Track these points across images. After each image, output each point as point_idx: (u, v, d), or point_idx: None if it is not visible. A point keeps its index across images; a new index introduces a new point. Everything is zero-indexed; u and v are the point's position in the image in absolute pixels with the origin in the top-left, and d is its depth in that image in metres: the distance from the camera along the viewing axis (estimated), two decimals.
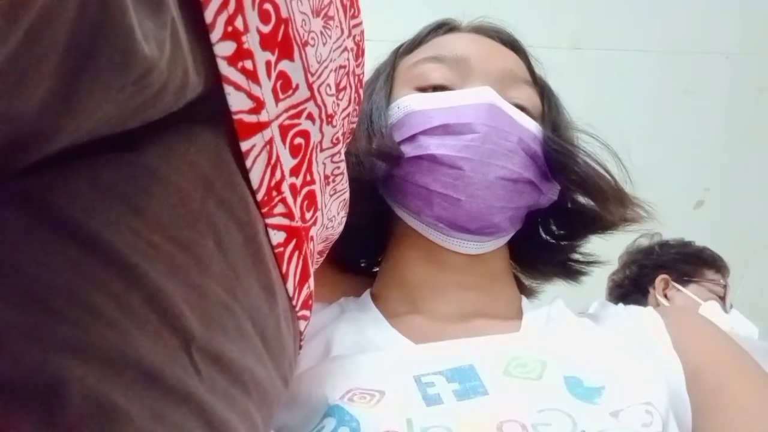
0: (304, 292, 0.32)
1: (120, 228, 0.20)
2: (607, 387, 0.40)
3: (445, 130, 0.50)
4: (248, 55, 0.24)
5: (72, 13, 0.16)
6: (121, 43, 0.17)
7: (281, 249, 0.29)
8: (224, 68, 0.23)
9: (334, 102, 0.33)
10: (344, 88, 0.35)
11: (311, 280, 0.33)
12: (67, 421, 0.18)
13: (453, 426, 0.37)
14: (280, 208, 0.28)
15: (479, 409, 0.39)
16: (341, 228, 0.43)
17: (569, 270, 0.62)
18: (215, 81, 0.23)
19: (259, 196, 0.27)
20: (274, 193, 0.28)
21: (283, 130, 0.28)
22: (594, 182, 0.52)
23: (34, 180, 0.19)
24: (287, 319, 0.30)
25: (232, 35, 0.23)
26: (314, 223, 0.33)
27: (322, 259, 0.47)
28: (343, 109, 0.36)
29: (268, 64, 0.26)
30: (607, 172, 0.53)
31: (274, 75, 0.26)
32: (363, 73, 0.40)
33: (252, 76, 0.24)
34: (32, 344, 0.18)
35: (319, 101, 0.31)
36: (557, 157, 0.52)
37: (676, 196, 1.78)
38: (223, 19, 0.22)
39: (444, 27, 0.61)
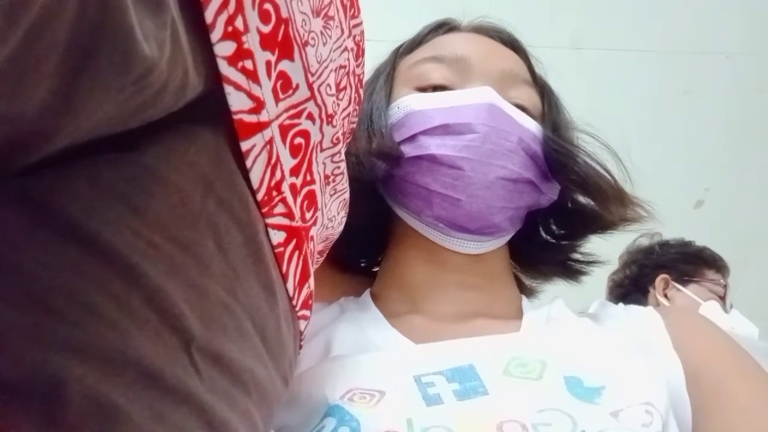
0: (304, 291, 0.32)
1: (120, 228, 0.20)
2: (607, 387, 0.40)
3: (445, 130, 0.50)
4: (248, 55, 0.24)
5: (72, 13, 0.16)
6: (121, 43, 0.17)
7: (281, 249, 0.29)
8: (224, 68, 0.23)
9: (334, 102, 0.33)
10: (344, 88, 0.35)
11: (311, 280, 0.33)
12: (67, 421, 0.18)
13: (453, 426, 0.37)
14: (280, 208, 0.28)
15: (479, 409, 0.39)
16: (341, 228, 0.43)
17: (569, 270, 0.62)
18: (215, 81, 0.23)
19: (259, 196, 0.27)
20: (274, 193, 0.28)
21: (283, 130, 0.28)
22: (594, 182, 0.52)
23: (34, 180, 0.19)
24: (287, 318, 0.30)
25: (233, 35, 0.23)
26: (314, 223, 0.33)
27: (322, 259, 0.47)
28: (343, 109, 0.36)
29: (268, 64, 0.26)
30: (607, 171, 0.53)
31: (274, 75, 0.26)
32: (363, 73, 0.40)
33: (252, 76, 0.24)
34: (32, 344, 0.18)
35: (319, 101, 0.31)
36: (557, 157, 0.52)
37: (676, 195, 1.78)
38: (223, 19, 0.22)
39: (444, 27, 0.61)
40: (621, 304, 0.55)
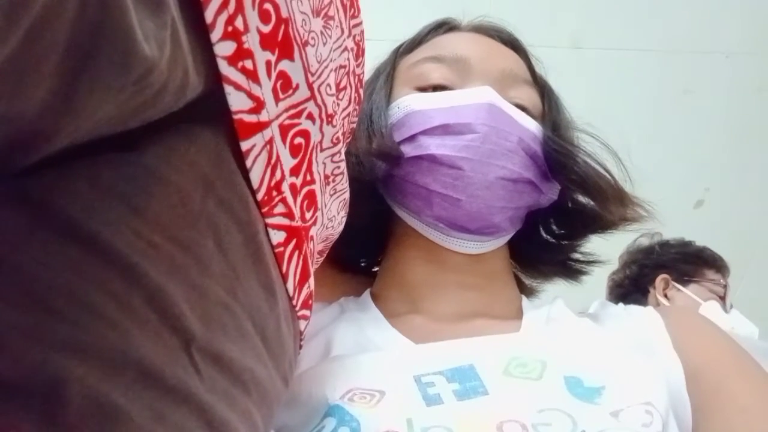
0: (304, 291, 0.32)
1: (120, 228, 0.20)
2: (607, 387, 0.40)
3: (445, 130, 0.50)
4: (248, 54, 0.24)
5: (72, 13, 0.16)
6: (121, 43, 0.17)
7: (281, 249, 0.29)
8: (224, 68, 0.23)
9: (334, 102, 0.33)
10: (344, 88, 0.35)
11: (311, 280, 0.33)
12: (67, 421, 0.18)
13: (453, 426, 0.37)
14: (280, 208, 0.28)
15: (479, 409, 0.39)
16: (341, 228, 0.43)
17: (569, 269, 0.62)
18: (215, 81, 0.23)
19: (259, 196, 0.27)
20: (274, 193, 0.28)
21: (283, 130, 0.28)
22: (594, 182, 0.52)
23: (34, 180, 0.19)
24: (287, 318, 0.30)
25: (233, 35, 0.23)
26: (314, 223, 0.33)
27: (322, 258, 0.47)
28: (343, 109, 0.36)
29: (268, 63, 0.26)
30: (607, 171, 0.53)
31: (274, 75, 0.26)
32: (363, 72, 0.40)
33: (252, 75, 0.24)
34: (32, 344, 0.18)
35: (319, 101, 0.31)
36: (557, 157, 0.52)
37: (676, 195, 1.78)
38: (223, 18, 0.22)
39: (444, 26, 0.61)
40: (621, 304, 0.56)
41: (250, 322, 0.26)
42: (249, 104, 0.25)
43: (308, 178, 0.31)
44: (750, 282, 1.91)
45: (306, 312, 0.33)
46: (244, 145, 0.25)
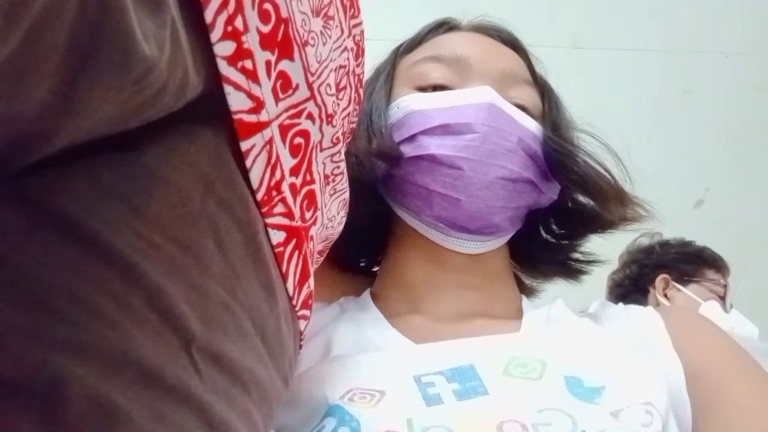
0: (304, 291, 0.32)
1: (120, 228, 0.20)
2: (607, 387, 0.40)
3: (444, 130, 0.50)
4: (248, 54, 0.24)
5: (72, 13, 0.16)
6: (121, 43, 0.17)
7: (281, 249, 0.29)
8: (224, 68, 0.23)
9: (334, 102, 0.33)
10: (344, 88, 0.35)
11: (311, 280, 0.33)
12: (67, 421, 0.18)
13: (453, 426, 0.37)
14: (280, 208, 0.28)
15: (479, 409, 0.39)
16: (341, 228, 0.43)
17: (569, 269, 0.62)
18: (215, 81, 0.23)
19: (259, 196, 0.27)
20: (274, 193, 0.28)
21: (283, 130, 0.28)
22: (594, 182, 0.52)
23: (34, 180, 0.19)
24: (287, 318, 0.30)
25: (232, 35, 0.23)
26: (314, 223, 0.33)
27: (322, 258, 0.47)
28: (343, 109, 0.36)
29: (268, 63, 0.26)
30: (607, 171, 0.53)
31: (274, 75, 0.26)
32: (363, 72, 0.40)
33: (252, 75, 0.24)
34: (32, 344, 0.18)
35: (319, 101, 0.31)
36: (557, 157, 0.52)
37: (676, 195, 1.78)
38: (223, 18, 0.22)
39: (444, 26, 0.61)
40: (621, 304, 0.56)
41: (250, 322, 0.26)
42: (249, 104, 0.25)
43: (308, 178, 0.31)
44: (750, 282, 1.91)
45: (306, 312, 0.33)
46: (244, 145, 0.25)
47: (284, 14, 0.26)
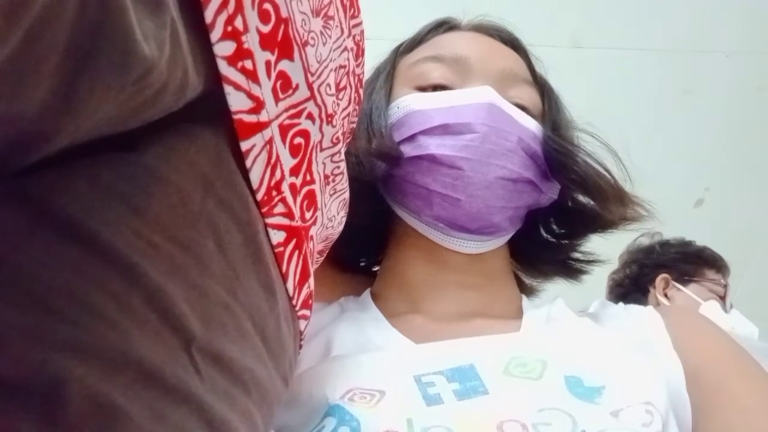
0: (304, 291, 0.32)
1: (120, 228, 0.20)
2: (607, 387, 0.40)
3: (444, 129, 0.50)
4: (248, 54, 0.24)
5: (72, 13, 0.16)
6: (121, 43, 0.17)
7: (281, 249, 0.29)
8: (224, 68, 0.23)
9: (334, 102, 0.33)
10: (344, 88, 0.35)
11: (311, 280, 0.33)
12: (67, 421, 0.18)
13: (453, 426, 0.37)
14: (280, 208, 0.28)
15: (479, 408, 0.39)
16: (341, 228, 0.43)
17: (570, 269, 0.62)
18: (215, 81, 0.23)
19: (259, 196, 0.27)
20: (274, 193, 0.28)
21: (283, 130, 0.28)
22: (594, 181, 0.52)
23: (34, 180, 0.19)
24: (287, 318, 0.30)
25: (232, 35, 0.23)
26: (314, 223, 0.33)
27: (322, 258, 0.47)
28: (343, 109, 0.36)
29: (267, 63, 0.25)
30: (607, 171, 0.53)
31: (273, 75, 0.26)
32: (363, 72, 0.40)
33: (252, 75, 0.24)
34: (32, 344, 0.18)
35: (319, 101, 0.31)
36: (557, 157, 0.52)
37: (676, 195, 1.78)
38: (222, 18, 0.22)
39: (444, 26, 0.61)
40: (621, 304, 0.56)
41: (250, 322, 0.26)
42: (249, 104, 0.25)
43: (308, 178, 0.31)
44: (750, 282, 1.91)
45: (306, 312, 0.33)
46: (244, 145, 0.25)
47: (284, 14, 0.26)
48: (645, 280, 1.46)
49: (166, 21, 0.19)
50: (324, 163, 0.35)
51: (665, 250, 1.47)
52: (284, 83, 0.27)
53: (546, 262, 0.62)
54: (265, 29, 0.25)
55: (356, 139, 0.49)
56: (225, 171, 0.24)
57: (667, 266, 1.44)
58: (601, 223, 0.56)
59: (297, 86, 0.28)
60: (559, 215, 0.58)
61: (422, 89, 0.54)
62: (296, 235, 0.30)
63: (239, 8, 0.23)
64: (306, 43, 0.29)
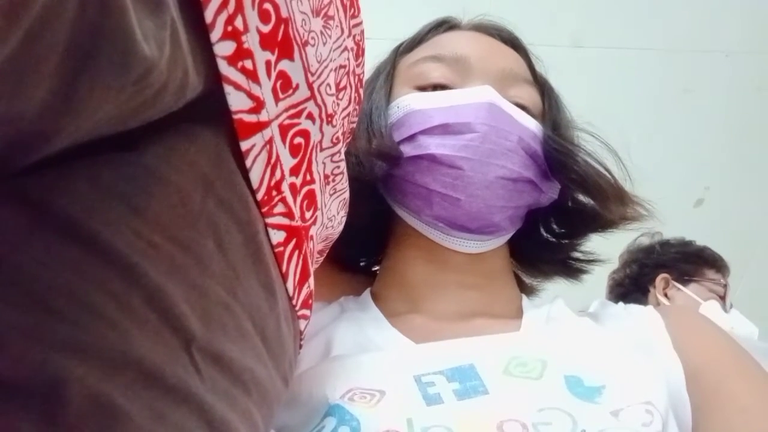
0: (304, 291, 0.32)
1: (120, 228, 0.20)
2: (607, 386, 0.40)
3: (444, 129, 0.50)
4: (248, 54, 0.24)
5: (72, 13, 0.16)
6: (121, 44, 0.17)
7: (281, 248, 0.29)
8: (224, 68, 0.23)
9: (334, 102, 0.33)
10: (344, 88, 0.35)
11: (311, 280, 0.33)
12: (68, 421, 0.18)
13: (453, 425, 0.37)
14: (280, 208, 0.28)
15: (479, 408, 0.39)
16: (341, 227, 0.43)
17: (570, 268, 0.62)
18: (215, 81, 0.23)
19: (259, 196, 0.27)
20: (274, 193, 0.28)
21: (283, 130, 0.28)
22: (594, 181, 0.52)
23: (34, 180, 0.19)
24: (287, 318, 0.30)
25: (232, 35, 0.23)
26: (314, 223, 0.33)
27: (322, 258, 0.47)
28: (343, 109, 0.36)
29: (268, 63, 0.25)
30: (607, 170, 0.53)
31: (274, 75, 0.26)
32: (363, 72, 0.40)
33: (252, 75, 0.24)
34: (32, 344, 0.18)
35: (319, 101, 0.31)
36: (557, 156, 0.52)
37: (676, 194, 1.78)
38: (222, 18, 0.22)
39: (444, 25, 0.61)
40: (621, 304, 0.56)
41: (250, 321, 0.26)
42: (249, 104, 0.25)
43: (308, 177, 0.31)
44: (750, 281, 1.91)
45: (306, 312, 0.33)
46: (244, 145, 0.25)
47: (284, 14, 0.26)
48: (645, 279, 1.46)
49: (166, 21, 0.19)
50: (324, 163, 0.35)
51: (665, 250, 1.47)
52: (284, 83, 0.27)
53: (546, 262, 0.62)
54: (266, 29, 0.25)
55: (356, 139, 0.49)
56: (225, 171, 0.24)
57: (667, 266, 1.44)
58: (601, 223, 0.56)
59: (297, 86, 0.28)
60: (559, 215, 0.58)
61: (422, 89, 0.54)
62: (296, 234, 0.30)
63: (239, 8, 0.23)
64: (306, 43, 0.28)
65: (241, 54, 0.24)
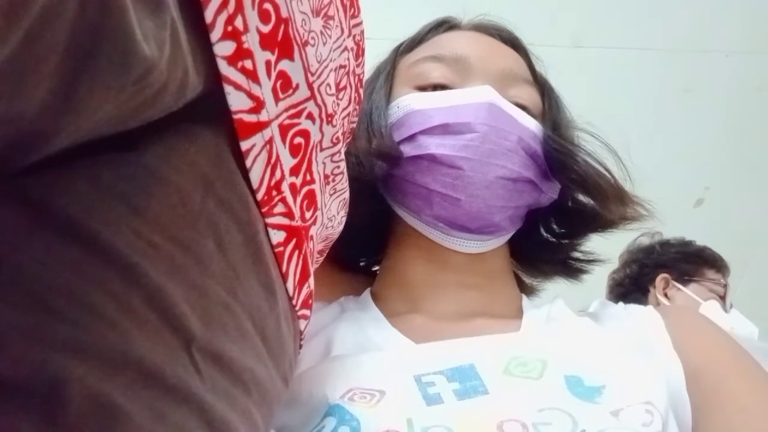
0: (304, 291, 0.32)
1: (120, 228, 0.20)
2: (607, 386, 0.40)
3: (444, 129, 0.50)
4: (248, 54, 0.24)
5: (72, 13, 0.16)
6: (121, 44, 0.17)
7: (281, 248, 0.29)
8: (224, 68, 0.23)
9: (334, 101, 0.33)
10: (344, 88, 0.35)
11: (311, 280, 0.33)
12: (68, 421, 0.18)
13: (453, 425, 0.37)
14: (280, 208, 0.28)
15: (480, 408, 0.39)
16: (341, 227, 0.43)
17: (570, 268, 0.62)
18: (215, 81, 0.23)
19: (259, 196, 0.27)
20: (274, 193, 0.28)
21: (283, 130, 0.28)
22: (594, 181, 0.52)
23: (34, 180, 0.19)
24: (287, 318, 0.30)
25: (232, 35, 0.23)
26: (314, 223, 0.33)
27: (322, 258, 0.47)
28: (343, 109, 0.36)
29: (268, 63, 0.25)
30: (607, 170, 0.53)
31: (274, 75, 0.26)
32: (363, 72, 0.40)
33: (252, 75, 0.24)
34: (32, 344, 0.18)
35: (319, 101, 0.31)
36: (557, 156, 0.52)
37: (676, 194, 1.78)
38: (222, 18, 0.22)
39: (444, 25, 0.61)
40: (621, 304, 0.56)
41: (250, 321, 0.26)
42: (249, 104, 0.25)
43: (308, 177, 0.31)
44: (750, 282, 1.91)
45: (306, 312, 0.33)
46: (244, 145, 0.25)
47: (284, 14, 0.26)
48: (645, 279, 1.46)
49: (166, 21, 0.19)
50: (324, 163, 0.35)
51: (665, 250, 1.47)
52: (284, 83, 0.27)
53: (546, 262, 0.62)
54: (266, 29, 0.25)
55: (356, 139, 0.49)
56: (225, 171, 0.24)
57: (667, 266, 1.44)
58: (601, 223, 0.56)
59: (297, 86, 0.28)
60: (559, 215, 0.58)
61: (422, 89, 0.54)
62: (296, 234, 0.30)
63: (239, 8, 0.23)
64: (306, 43, 0.28)
65: (241, 54, 0.24)
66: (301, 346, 0.35)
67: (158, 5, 0.19)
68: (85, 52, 0.16)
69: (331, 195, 0.38)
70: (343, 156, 0.37)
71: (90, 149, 0.20)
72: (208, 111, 0.23)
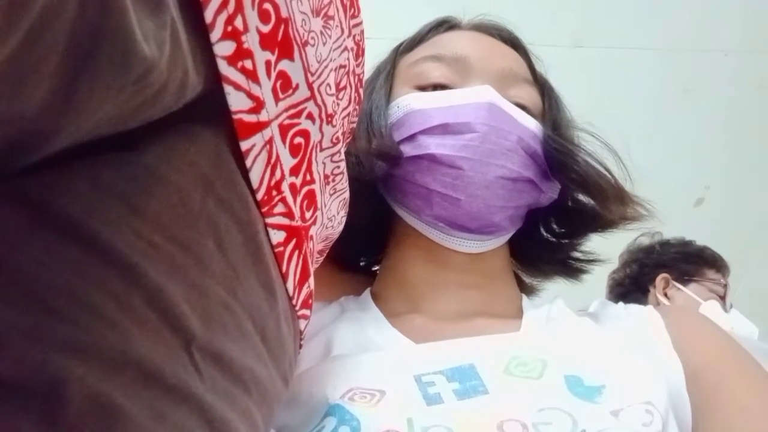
0: (304, 291, 0.32)
1: (120, 228, 0.20)
2: (607, 386, 0.40)
3: (444, 129, 0.50)
4: (248, 54, 0.24)
5: (72, 13, 0.16)
6: (121, 44, 0.17)
7: (281, 248, 0.29)
8: (224, 68, 0.23)
9: (334, 101, 0.33)
10: (344, 88, 0.35)
11: (311, 280, 0.33)
12: (68, 421, 0.18)
13: (453, 425, 0.37)
14: (280, 208, 0.28)
15: (480, 408, 0.39)
16: (341, 227, 0.43)
17: (570, 268, 0.62)
18: (215, 81, 0.23)
19: (259, 196, 0.27)
20: (274, 193, 0.28)
21: (283, 130, 0.28)
22: (594, 181, 0.52)
23: (34, 180, 0.19)
24: (287, 318, 0.30)
25: (232, 35, 0.23)
26: (314, 223, 0.33)
27: (322, 258, 0.47)
28: (343, 109, 0.36)
29: (267, 63, 0.25)
30: (607, 170, 0.53)
31: (273, 75, 0.26)
32: (363, 72, 0.40)
33: (252, 75, 0.24)
34: (32, 344, 0.18)
35: (319, 101, 0.31)
36: (557, 156, 0.52)
37: (676, 194, 1.78)
38: (222, 18, 0.22)
39: (444, 25, 0.61)
40: (621, 303, 0.56)
41: (250, 321, 0.26)
42: (249, 104, 0.25)
43: (308, 177, 0.31)
44: (750, 282, 1.91)
45: (306, 311, 0.33)
46: (244, 145, 0.25)
47: (284, 14, 0.26)
48: (645, 279, 1.46)
49: (166, 21, 0.19)
50: (324, 163, 0.35)
51: (665, 250, 1.47)
52: (284, 83, 0.27)
53: (546, 262, 0.62)
54: (265, 29, 0.25)
55: (356, 139, 0.49)
56: (225, 171, 0.24)
57: (667, 266, 1.44)
58: (601, 223, 0.56)
59: (297, 86, 0.28)
60: (559, 215, 0.58)
61: (422, 89, 0.54)
62: (296, 234, 0.30)
63: (239, 8, 0.23)
64: (306, 43, 0.29)
65: (241, 54, 0.24)
66: (301, 346, 0.35)
67: (158, 5, 0.19)
68: (85, 52, 0.16)
69: (331, 195, 0.38)
70: (343, 156, 0.37)
71: (90, 149, 0.20)
72: (208, 111, 0.23)
